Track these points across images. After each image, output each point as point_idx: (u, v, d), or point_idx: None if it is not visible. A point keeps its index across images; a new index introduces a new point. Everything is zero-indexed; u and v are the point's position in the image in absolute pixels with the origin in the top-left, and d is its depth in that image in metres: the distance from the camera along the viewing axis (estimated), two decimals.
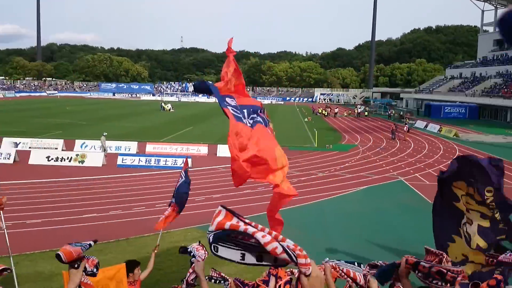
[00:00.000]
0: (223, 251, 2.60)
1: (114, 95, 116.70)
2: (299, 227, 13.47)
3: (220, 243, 2.63)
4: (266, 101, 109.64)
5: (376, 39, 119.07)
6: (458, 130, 43.24)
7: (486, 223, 4.86)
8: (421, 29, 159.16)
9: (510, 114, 57.48)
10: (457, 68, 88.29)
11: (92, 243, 3.26)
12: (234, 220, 2.61)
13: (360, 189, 19.51)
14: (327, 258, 3.87)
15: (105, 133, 27.39)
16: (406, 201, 17.68)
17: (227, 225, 2.55)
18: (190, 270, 4.37)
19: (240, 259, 2.62)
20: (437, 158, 28.34)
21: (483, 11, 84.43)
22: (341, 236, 13.26)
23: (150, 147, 28.18)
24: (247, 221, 2.61)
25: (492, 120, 60.55)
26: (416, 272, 2.70)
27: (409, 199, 17.99)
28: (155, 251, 7.18)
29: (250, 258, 2.58)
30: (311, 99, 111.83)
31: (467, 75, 79.28)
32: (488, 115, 62.69)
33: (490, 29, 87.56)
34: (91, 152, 25.52)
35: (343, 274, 3.58)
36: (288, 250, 2.51)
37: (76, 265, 3.04)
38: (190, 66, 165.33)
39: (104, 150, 26.24)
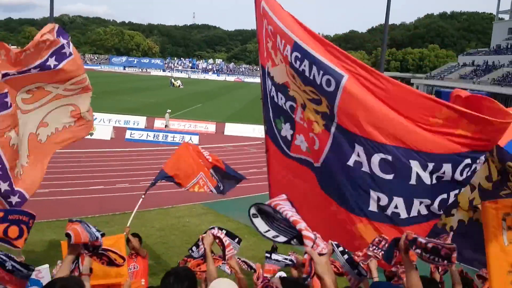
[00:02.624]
0: (260, 224, 2.68)
1: (124, 69, 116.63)
2: None
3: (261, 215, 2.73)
4: None
5: (390, 22, 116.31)
6: None
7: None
8: (436, 14, 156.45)
9: None
10: (470, 56, 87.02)
11: (100, 236, 3.18)
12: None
13: None
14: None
15: (169, 110, 28.96)
16: None
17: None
18: (200, 242, 4.22)
19: (273, 237, 2.70)
20: None
21: None
22: None
23: (158, 123, 28.38)
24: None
25: None
26: (414, 247, 2.73)
27: None
28: (127, 230, 6.77)
29: (281, 239, 2.68)
30: None
31: (479, 63, 78.16)
32: None
33: (506, 17, 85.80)
34: (100, 125, 25.73)
35: (335, 269, 3.61)
36: (309, 229, 2.64)
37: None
38: (201, 43, 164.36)
39: (166, 126, 27.74)
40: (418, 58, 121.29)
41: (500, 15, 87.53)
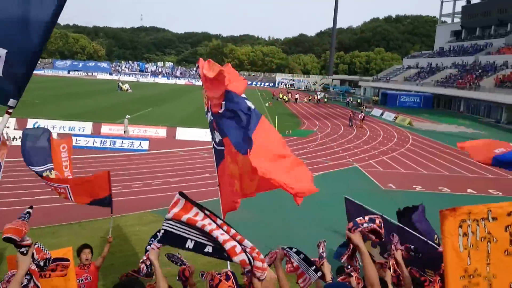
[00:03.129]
0: (173, 238, 2.57)
1: (69, 73, 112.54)
2: (257, 211, 13.57)
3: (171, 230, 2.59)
4: None
5: (337, 26, 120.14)
6: (413, 119, 44.66)
7: None
8: (381, 18, 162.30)
9: (463, 104, 59.84)
10: (414, 58, 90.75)
11: (29, 210, 3.22)
12: (192, 212, 2.58)
13: (316, 175, 19.84)
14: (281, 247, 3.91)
15: (128, 116, 27.63)
16: (360, 186, 18.16)
17: (184, 218, 2.51)
18: (145, 257, 4.21)
19: (191, 248, 2.60)
20: (391, 146, 29.20)
21: (442, 1, 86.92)
22: (298, 221, 13.48)
23: (105, 128, 27.48)
24: (207, 212, 2.54)
25: (446, 110, 62.87)
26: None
27: (363, 184, 18.49)
28: (110, 241, 7.01)
29: (200, 248, 2.56)
30: (272, 84, 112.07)
31: (423, 65, 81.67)
32: (442, 105, 65.04)
33: (449, 20, 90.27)
34: None
35: (291, 266, 3.66)
36: (247, 252, 2.51)
37: (24, 251, 2.92)
38: (150, 46, 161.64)
39: (125, 132, 26.55)
40: (365, 61, 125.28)
41: (443, 18, 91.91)
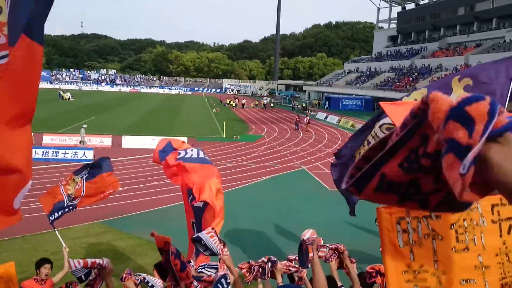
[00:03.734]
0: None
1: None
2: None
3: None
4: (173, 91, 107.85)
5: (281, 33, 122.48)
6: (355, 121, 46.24)
7: None
8: (322, 24, 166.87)
9: None
10: (354, 63, 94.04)
11: None
12: None
13: (265, 178, 20.16)
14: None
15: (84, 126, 26.67)
16: (308, 188, 18.65)
17: None
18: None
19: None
20: (336, 147, 30.10)
21: (379, 8, 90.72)
22: (248, 225, 13.65)
23: (47, 139, 26.45)
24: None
25: None
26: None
27: (311, 186, 19.00)
28: (66, 249, 6.74)
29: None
30: (219, 90, 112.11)
31: (363, 69, 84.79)
32: None
33: (385, 25, 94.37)
34: None
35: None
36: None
37: None
38: (91, 53, 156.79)
39: (81, 142, 25.75)
40: (308, 66, 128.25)
41: (380, 24, 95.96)
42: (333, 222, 13.17)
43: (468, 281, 2.56)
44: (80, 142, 26.13)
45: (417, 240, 2.57)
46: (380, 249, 2.75)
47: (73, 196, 7.33)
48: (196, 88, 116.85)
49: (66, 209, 7.40)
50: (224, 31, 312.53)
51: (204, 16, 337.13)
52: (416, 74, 65.22)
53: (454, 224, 2.57)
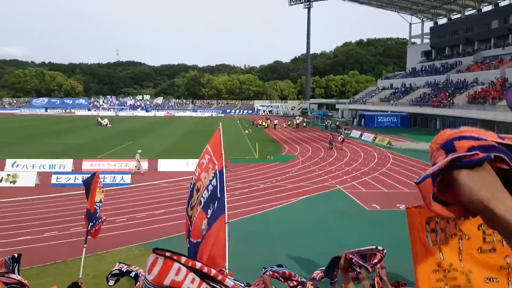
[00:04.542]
0: None
1: (46, 110, 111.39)
2: (243, 238, 13.56)
3: None
4: (206, 114, 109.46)
5: (311, 52, 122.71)
6: (391, 139, 45.44)
7: None
8: (353, 42, 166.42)
9: (439, 122, 61.29)
10: (388, 79, 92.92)
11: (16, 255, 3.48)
12: (173, 271, 2.20)
13: (301, 198, 19.97)
14: (263, 269, 4.09)
15: (139, 151, 27.35)
16: (344, 208, 18.32)
17: (167, 281, 2.13)
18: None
19: None
20: (372, 166, 29.61)
21: (410, 24, 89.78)
22: (284, 246, 13.50)
23: (86, 164, 27.20)
24: (191, 263, 2.25)
25: (423, 128, 64.21)
26: (352, 264, 3.29)
27: (347, 206, 18.66)
28: (81, 282, 6.98)
29: None
30: (251, 111, 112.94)
31: (397, 85, 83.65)
32: (419, 124, 66.47)
33: (418, 41, 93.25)
34: (23, 172, 24.24)
35: (278, 276, 3.87)
36: None
37: None
38: (127, 80, 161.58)
39: (138, 168, 26.37)
40: (341, 84, 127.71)
41: (412, 39, 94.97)
42: (371, 242, 12.82)
43: (492, 279, 2.60)
44: (137, 168, 26.60)
45: (444, 240, 2.62)
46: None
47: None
48: (228, 110, 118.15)
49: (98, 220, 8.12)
50: (254, 53, 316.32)
51: (234, 39, 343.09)
52: (452, 89, 63.79)
53: (483, 225, 2.59)
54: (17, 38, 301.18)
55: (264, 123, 68.48)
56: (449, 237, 2.64)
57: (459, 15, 77.97)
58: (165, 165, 27.61)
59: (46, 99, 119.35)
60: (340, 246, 13.65)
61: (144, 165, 27.71)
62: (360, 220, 16.40)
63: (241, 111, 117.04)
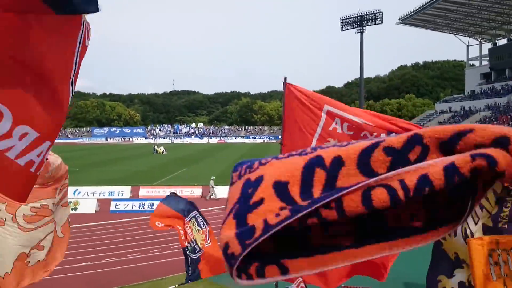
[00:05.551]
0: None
1: (106, 139, 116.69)
2: None
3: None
4: (259, 140, 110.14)
5: (365, 76, 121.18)
6: None
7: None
8: (408, 65, 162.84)
9: None
10: (446, 103, 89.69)
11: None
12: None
13: None
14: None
15: (213, 177, 28.01)
16: None
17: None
18: None
19: None
20: None
21: (468, 46, 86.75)
22: None
23: (143, 191, 27.87)
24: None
25: None
26: None
27: None
28: None
29: None
30: None
31: (456, 109, 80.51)
32: None
33: (476, 63, 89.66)
34: (84, 199, 25.17)
35: None
36: None
37: None
38: (182, 108, 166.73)
39: (212, 194, 27.00)
40: (396, 108, 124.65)
41: (470, 62, 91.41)
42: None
43: None
44: (211, 194, 27.05)
45: (508, 273, 2.48)
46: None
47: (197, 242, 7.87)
48: (280, 136, 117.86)
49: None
50: (306, 79, 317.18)
51: (285, 66, 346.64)
52: None
53: None
54: (80, 70, 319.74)
55: None
56: None
57: None
58: (218, 191, 27.58)
59: (106, 129, 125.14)
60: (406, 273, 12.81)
61: (198, 191, 27.97)
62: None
63: None
